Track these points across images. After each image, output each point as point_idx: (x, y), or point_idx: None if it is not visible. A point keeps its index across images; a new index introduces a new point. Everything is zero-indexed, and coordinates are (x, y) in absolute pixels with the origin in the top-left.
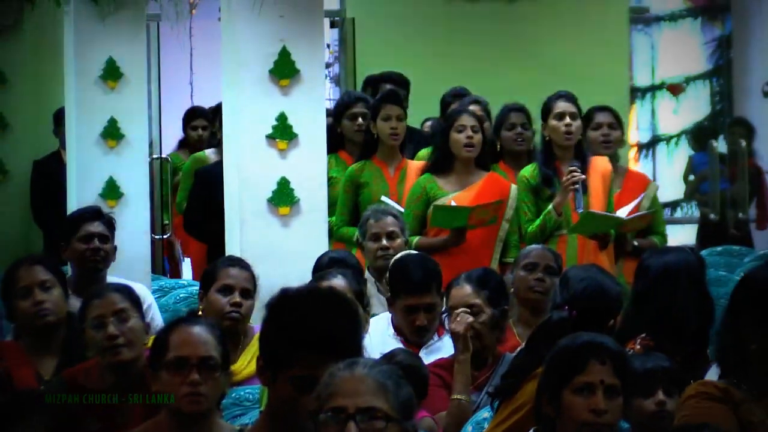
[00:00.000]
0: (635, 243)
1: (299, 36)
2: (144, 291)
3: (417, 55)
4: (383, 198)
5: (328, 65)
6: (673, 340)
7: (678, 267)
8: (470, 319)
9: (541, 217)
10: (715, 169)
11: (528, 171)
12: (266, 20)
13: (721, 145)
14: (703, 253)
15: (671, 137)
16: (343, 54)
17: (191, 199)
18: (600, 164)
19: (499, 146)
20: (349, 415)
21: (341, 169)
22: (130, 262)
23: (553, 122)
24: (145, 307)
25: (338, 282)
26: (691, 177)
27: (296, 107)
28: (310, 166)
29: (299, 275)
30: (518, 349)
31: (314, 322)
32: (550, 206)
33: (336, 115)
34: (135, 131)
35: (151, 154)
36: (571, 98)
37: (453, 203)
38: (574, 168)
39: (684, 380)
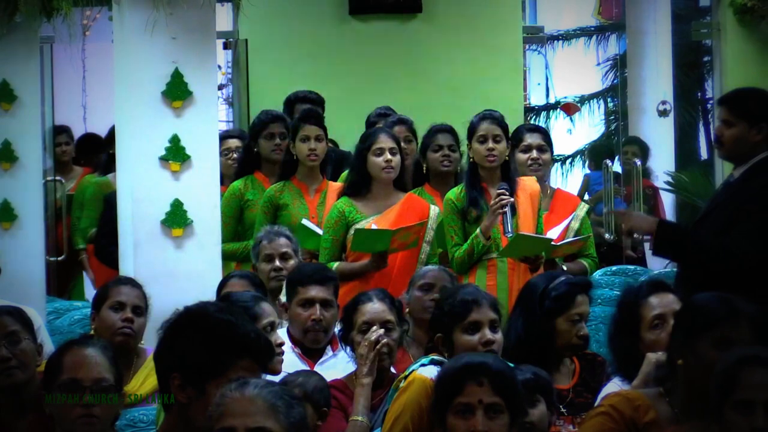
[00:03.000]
0: (564, 267)
1: (192, 58)
2: (33, 313)
3: (310, 76)
4: (304, 221)
5: (221, 87)
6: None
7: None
8: (384, 338)
9: (469, 241)
10: (609, 189)
11: (454, 193)
12: (158, 42)
13: (616, 165)
14: (597, 272)
15: (567, 157)
16: (236, 75)
17: (101, 225)
18: (528, 185)
19: (425, 168)
20: None
21: (257, 191)
22: (25, 284)
23: (476, 144)
24: (35, 328)
25: None
26: (587, 196)
27: (189, 129)
28: (203, 188)
29: (193, 296)
30: None
31: (244, 325)
32: (478, 230)
33: (252, 135)
34: (29, 153)
35: (45, 176)
36: (495, 119)
37: (374, 226)
38: (502, 191)
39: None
